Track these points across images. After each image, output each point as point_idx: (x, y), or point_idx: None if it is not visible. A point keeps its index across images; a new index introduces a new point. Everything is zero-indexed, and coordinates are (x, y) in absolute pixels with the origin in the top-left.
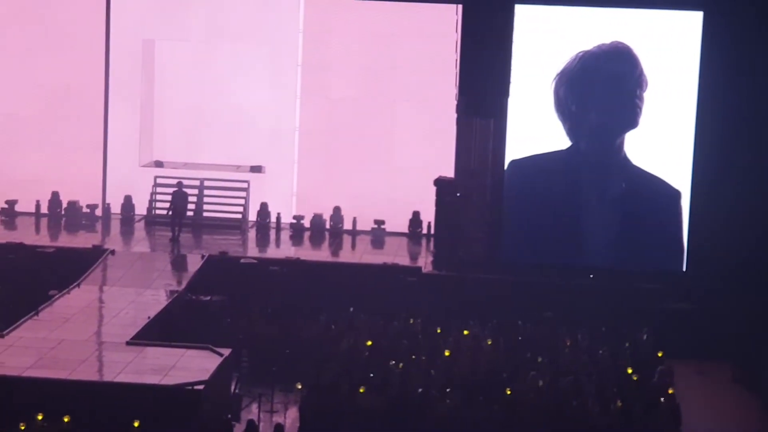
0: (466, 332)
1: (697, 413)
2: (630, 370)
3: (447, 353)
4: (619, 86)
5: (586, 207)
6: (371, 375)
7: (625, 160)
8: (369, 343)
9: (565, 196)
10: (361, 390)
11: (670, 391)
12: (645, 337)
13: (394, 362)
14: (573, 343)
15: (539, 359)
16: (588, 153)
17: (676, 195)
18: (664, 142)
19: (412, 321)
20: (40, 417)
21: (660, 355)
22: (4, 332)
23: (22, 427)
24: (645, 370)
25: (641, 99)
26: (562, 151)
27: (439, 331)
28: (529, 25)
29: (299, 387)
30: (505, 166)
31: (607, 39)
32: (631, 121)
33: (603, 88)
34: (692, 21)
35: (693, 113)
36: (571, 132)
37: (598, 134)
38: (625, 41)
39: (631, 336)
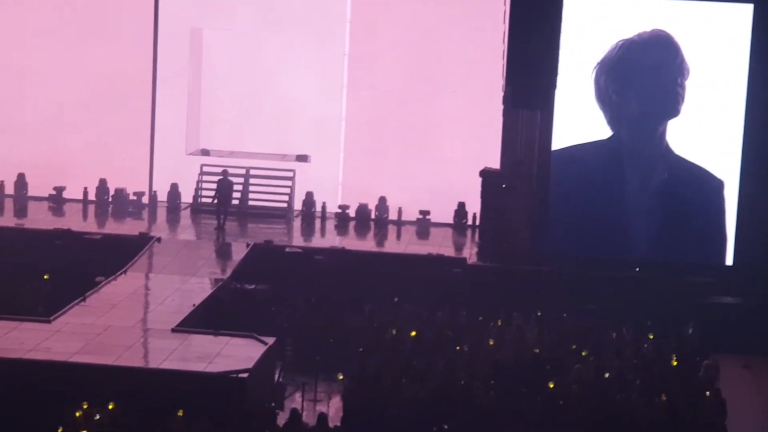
0: (510, 324)
1: (742, 408)
2: (675, 364)
3: (491, 342)
4: (660, 74)
5: (629, 197)
6: (414, 365)
7: (668, 150)
8: (413, 333)
9: (607, 186)
10: (404, 380)
11: (716, 386)
12: (691, 331)
13: (437, 353)
14: (618, 337)
15: (583, 352)
16: (629, 142)
17: (719, 185)
18: (710, 133)
19: (456, 312)
20: (85, 406)
21: (706, 349)
22: (52, 318)
23: (78, 414)
24: (690, 365)
25: (682, 87)
26: (603, 140)
27: (482, 321)
28: (577, 16)
29: (340, 377)
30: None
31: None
32: (673, 110)
33: (643, 77)
34: (742, 13)
35: (742, 104)
36: (612, 121)
37: (639, 123)
38: (675, 32)
39: (676, 330)
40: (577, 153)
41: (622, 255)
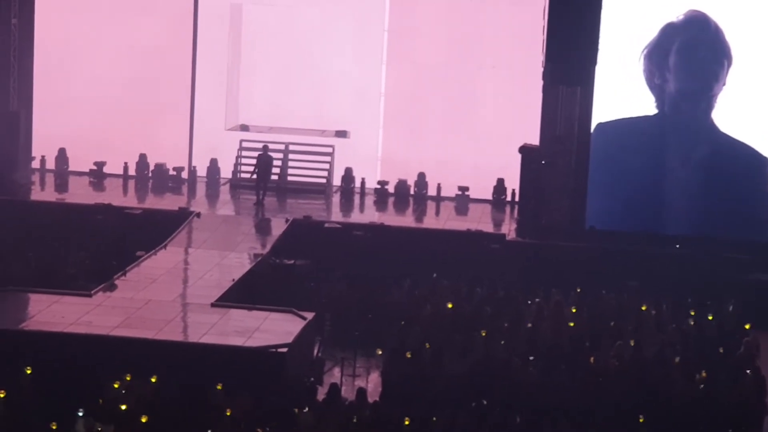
0: (549, 300)
1: None
2: (715, 341)
3: (530, 318)
4: (693, 52)
5: (671, 173)
6: (454, 341)
7: (712, 126)
8: (450, 305)
9: (650, 162)
10: (444, 356)
11: (756, 363)
12: (731, 308)
13: (476, 329)
14: (657, 313)
15: (623, 329)
16: (672, 119)
17: (763, 162)
18: (756, 111)
19: (494, 288)
20: (128, 378)
21: (747, 327)
22: (92, 291)
23: (116, 386)
24: (730, 342)
25: (718, 63)
26: (648, 116)
27: (521, 297)
28: None
29: (379, 353)
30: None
31: (697, 8)
32: (709, 85)
33: (679, 56)
34: None
35: None
36: (659, 104)
37: (680, 101)
38: (720, 11)
39: (716, 307)
40: (623, 126)
41: (663, 231)
